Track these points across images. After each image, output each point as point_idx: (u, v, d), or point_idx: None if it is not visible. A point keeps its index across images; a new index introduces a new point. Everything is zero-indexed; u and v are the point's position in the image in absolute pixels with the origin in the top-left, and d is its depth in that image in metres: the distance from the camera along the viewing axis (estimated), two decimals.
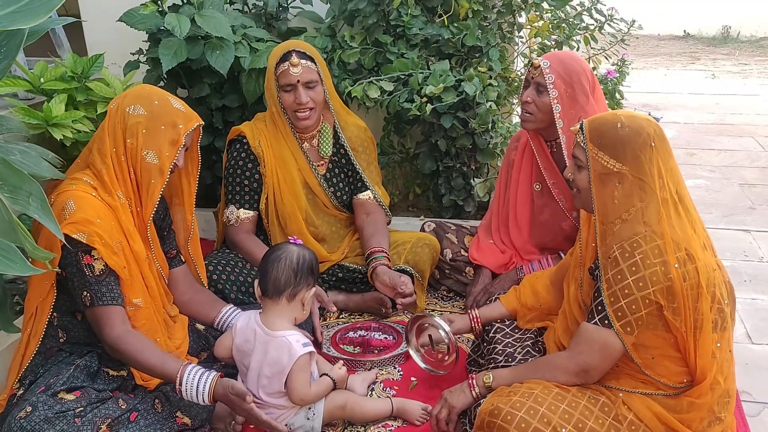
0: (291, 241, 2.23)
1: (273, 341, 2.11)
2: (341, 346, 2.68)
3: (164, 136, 2.15)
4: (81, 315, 2.13)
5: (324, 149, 2.92)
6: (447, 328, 2.34)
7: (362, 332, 2.76)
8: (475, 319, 2.40)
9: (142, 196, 2.19)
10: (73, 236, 1.95)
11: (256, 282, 2.20)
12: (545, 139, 2.74)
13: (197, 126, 2.25)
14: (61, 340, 2.13)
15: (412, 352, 2.47)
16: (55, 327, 2.12)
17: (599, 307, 1.88)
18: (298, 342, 2.10)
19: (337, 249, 3.01)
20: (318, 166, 2.93)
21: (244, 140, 2.85)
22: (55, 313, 2.10)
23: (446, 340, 2.36)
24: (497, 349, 2.29)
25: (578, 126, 1.95)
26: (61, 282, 2.07)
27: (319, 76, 2.76)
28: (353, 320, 2.92)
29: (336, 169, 2.98)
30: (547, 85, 2.55)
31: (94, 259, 2.00)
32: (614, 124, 1.88)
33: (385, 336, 2.74)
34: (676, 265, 1.80)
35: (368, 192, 2.99)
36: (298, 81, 2.70)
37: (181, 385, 2.00)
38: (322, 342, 2.65)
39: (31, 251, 1.71)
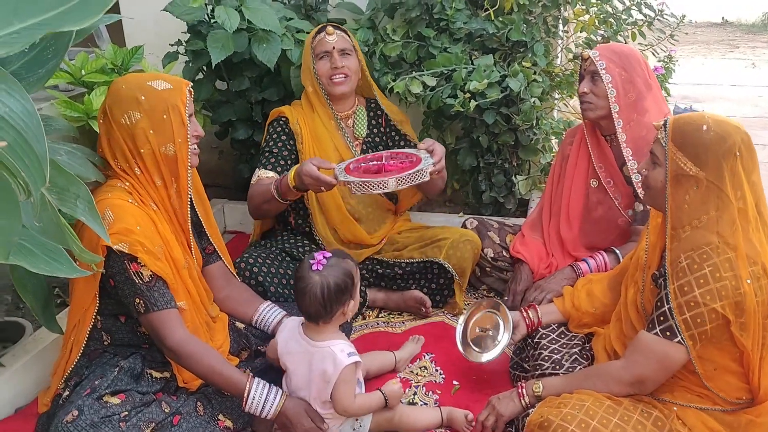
0: (312, 267, 2.05)
1: (318, 352, 2.07)
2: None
3: (171, 124, 2.06)
4: (125, 317, 2.12)
5: (359, 130, 2.93)
6: (510, 322, 2.32)
7: (375, 162, 2.64)
8: (531, 325, 2.36)
9: (175, 188, 2.14)
10: (115, 247, 1.92)
11: None
12: (603, 133, 2.69)
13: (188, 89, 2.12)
14: (105, 343, 2.12)
15: (458, 329, 2.42)
16: (99, 330, 2.11)
17: (661, 318, 1.83)
18: (342, 352, 2.06)
19: (374, 232, 2.99)
20: (354, 145, 2.93)
21: (283, 119, 2.90)
22: (98, 317, 2.08)
23: (501, 329, 2.33)
24: (543, 355, 2.25)
25: (662, 122, 1.87)
26: (103, 287, 2.05)
27: (354, 48, 2.84)
28: (391, 317, 2.89)
29: (370, 150, 2.96)
30: (600, 71, 2.53)
31: (141, 266, 1.97)
32: (699, 126, 1.80)
33: (401, 162, 2.60)
34: (749, 281, 1.74)
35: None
36: (333, 48, 2.78)
37: (248, 396, 2.01)
38: (335, 173, 2.52)
39: (78, 254, 1.69)
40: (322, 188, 2.51)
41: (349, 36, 2.86)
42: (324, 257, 2.07)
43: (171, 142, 2.07)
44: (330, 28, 2.80)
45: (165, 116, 2.05)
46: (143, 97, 2.04)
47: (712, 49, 10.33)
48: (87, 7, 1.59)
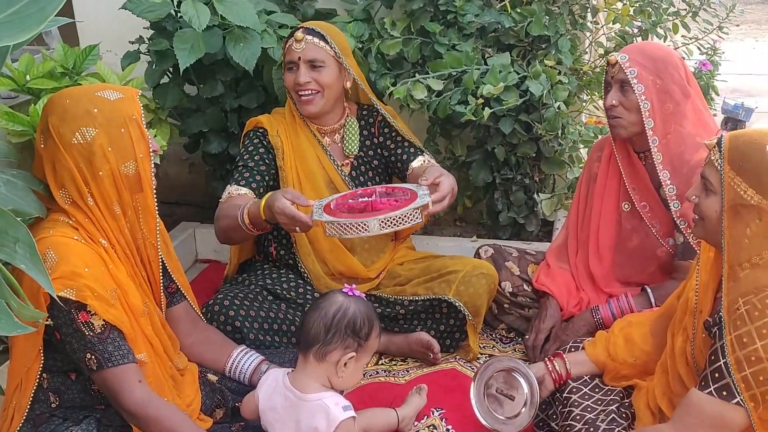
0: (344, 290, 2.12)
1: (305, 405, 2.04)
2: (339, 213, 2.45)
3: (131, 138, 2.03)
4: (75, 374, 2.07)
5: (350, 147, 2.89)
6: (534, 383, 2.26)
7: (365, 198, 2.53)
8: (558, 379, 2.31)
9: (139, 216, 2.10)
10: (60, 294, 1.86)
11: None
12: (635, 149, 2.65)
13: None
14: (53, 405, 2.07)
15: (473, 397, 2.36)
16: (45, 390, 2.06)
17: (716, 374, 1.78)
18: (337, 405, 2.03)
19: (371, 264, 2.94)
20: (342, 165, 2.89)
21: (261, 130, 2.86)
22: (45, 375, 2.03)
23: (526, 393, 2.27)
24: (574, 414, 2.20)
25: (714, 140, 1.82)
26: (49, 341, 2.00)
27: (335, 56, 2.75)
28: (394, 365, 2.85)
29: (363, 167, 2.93)
30: (630, 80, 2.48)
31: (92, 315, 1.92)
32: (762, 146, 1.75)
33: (396, 200, 2.48)
34: None
35: (422, 157, 2.87)
36: (299, 58, 2.72)
37: None
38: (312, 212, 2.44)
39: (17, 309, 1.65)
40: (297, 228, 2.43)
41: (326, 41, 2.75)
42: (361, 294, 2.13)
43: (132, 159, 2.04)
44: (299, 34, 2.72)
45: (123, 130, 2.02)
46: (96, 110, 2.00)
47: (765, 29, 10.30)
48: (25, 18, 1.55)
